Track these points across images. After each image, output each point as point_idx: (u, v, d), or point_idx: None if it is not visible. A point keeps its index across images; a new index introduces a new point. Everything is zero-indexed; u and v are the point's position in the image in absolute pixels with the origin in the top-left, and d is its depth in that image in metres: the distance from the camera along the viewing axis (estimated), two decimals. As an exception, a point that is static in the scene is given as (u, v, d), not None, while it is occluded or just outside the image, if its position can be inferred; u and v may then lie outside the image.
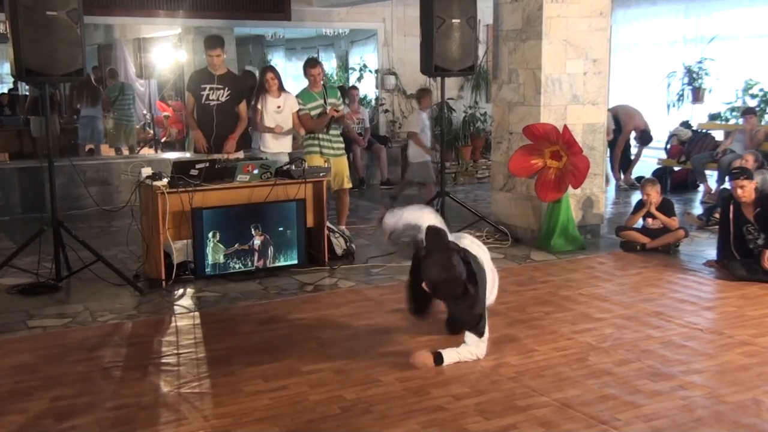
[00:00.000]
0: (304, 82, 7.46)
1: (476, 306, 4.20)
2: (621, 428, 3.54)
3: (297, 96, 7.31)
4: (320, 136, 7.23)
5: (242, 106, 7.12)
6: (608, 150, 10.48)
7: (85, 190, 8.50)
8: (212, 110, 6.97)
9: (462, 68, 7.13)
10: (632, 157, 10.79)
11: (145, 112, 12.99)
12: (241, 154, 7.10)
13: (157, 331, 4.95)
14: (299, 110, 7.26)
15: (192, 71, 8.07)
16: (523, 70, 7.15)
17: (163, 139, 12.52)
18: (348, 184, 7.41)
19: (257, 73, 11.68)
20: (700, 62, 11.13)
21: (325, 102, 7.20)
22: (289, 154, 7.40)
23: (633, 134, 10.61)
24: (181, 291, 5.80)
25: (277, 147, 7.24)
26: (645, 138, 10.53)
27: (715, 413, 3.68)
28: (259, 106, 7.18)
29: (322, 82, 7.34)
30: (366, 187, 10.89)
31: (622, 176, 10.61)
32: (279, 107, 7.20)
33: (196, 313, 5.31)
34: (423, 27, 7.07)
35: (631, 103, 10.74)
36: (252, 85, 8.13)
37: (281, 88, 7.29)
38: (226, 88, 6.99)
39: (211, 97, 6.97)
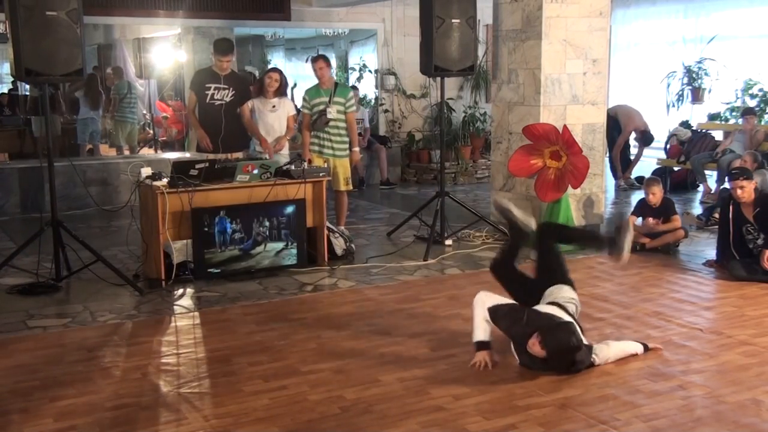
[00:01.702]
0: (304, 82, 7.45)
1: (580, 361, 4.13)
2: (620, 428, 3.54)
3: (306, 92, 7.31)
4: (321, 135, 7.22)
5: (244, 107, 7.13)
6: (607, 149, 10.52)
7: (85, 190, 8.50)
8: (219, 110, 6.97)
9: (461, 68, 7.13)
10: (631, 158, 10.80)
11: (144, 112, 12.99)
12: (241, 154, 7.11)
13: (157, 331, 4.95)
14: (302, 107, 7.27)
15: (195, 71, 8.06)
16: (523, 70, 7.16)
17: (161, 139, 12.53)
18: (345, 187, 7.33)
19: (257, 74, 11.70)
20: (699, 62, 11.14)
21: (329, 101, 7.17)
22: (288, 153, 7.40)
23: (633, 135, 10.61)
24: (180, 291, 5.80)
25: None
26: (646, 139, 10.55)
27: (714, 413, 3.69)
28: (246, 106, 7.16)
29: (334, 80, 7.33)
30: (365, 188, 10.89)
31: (622, 176, 10.62)
32: (274, 107, 7.20)
33: (196, 313, 5.31)
34: (423, 27, 7.07)
35: (630, 103, 10.74)
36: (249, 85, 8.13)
37: (278, 92, 7.29)
38: (231, 89, 7.00)
39: (216, 97, 6.97)
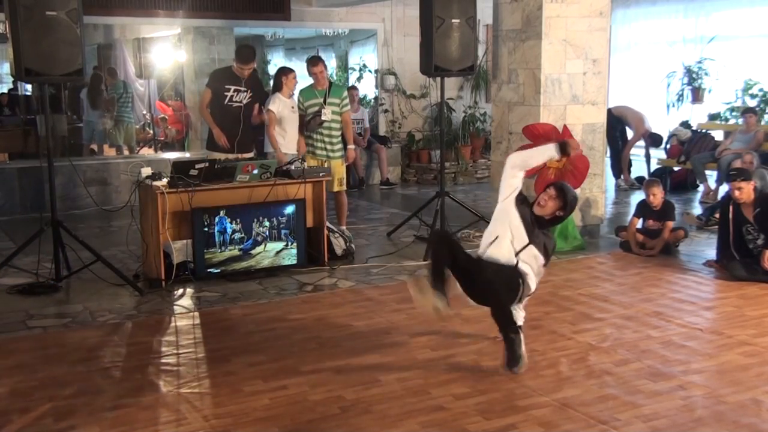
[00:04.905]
0: (304, 82, 7.45)
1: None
2: (621, 428, 3.54)
3: (300, 93, 7.31)
4: (314, 136, 7.20)
5: (255, 106, 7.13)
6: (610, 148, 10.53)
7: (85, 190, 8.51)
8: (238, 113, 6.98)
9: (461, 68, 7.13)
10: (630, 158, 10.82)
11: (144, 112, 13.00)
12: (251, 154, 7.13)
13: (157, 331, 4.95)
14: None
15: (214, 70, 8.02)
16: (523, 70, 7.16)
17: (161, 139, 12.54)
18: (339, 187, 7.28)
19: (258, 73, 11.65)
20: (699, 62, 11.14)
21: (324, 102, 7.17)
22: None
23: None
24: (180, 291, 5.80)
25: (290, 148, 7.24)
26: (656, 140, 10.60)
27: (714, 413, 3.69)
28: (273, 109, 7.13)
29: (328, 81, 7.32)
30: (365, 188, 10.90)
31: (622, 176, 10.63)
32: (293, 107, 7.20)
33: (196, 313, 5.31)
34: (423, 27, 7.07)
35: (632, 104, 10.74)
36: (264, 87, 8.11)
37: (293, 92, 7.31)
38: (249, 91, 7.02)
39: (235, 99, 6.98)
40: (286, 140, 7.18)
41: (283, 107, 7.14)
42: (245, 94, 7.00)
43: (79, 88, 11.44)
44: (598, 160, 7.33)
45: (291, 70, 7.37)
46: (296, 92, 7.47)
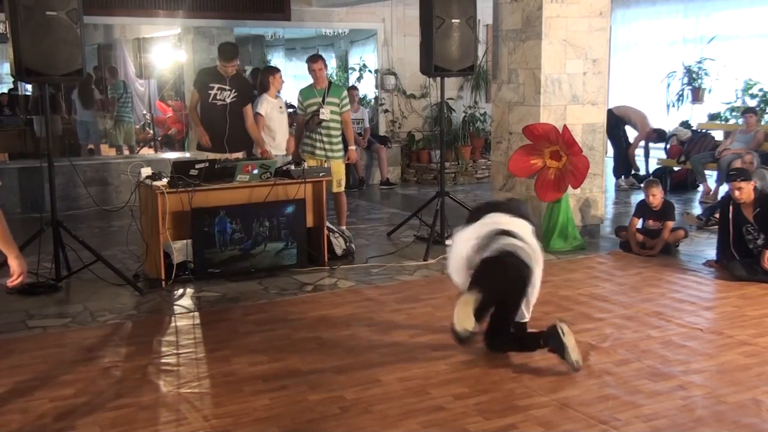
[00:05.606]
0: (304, 82, 7.46)
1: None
2: (621, 428, 3.54)
3: (299, 92, 7.32)
4: (314, 136, 7.20)
5: (248, 109, 7.13)
6: (613, 148, 10.55)
7: (85, 190, 8.51)
8: (223, 111, 6.96)
9: (461, 68, 7.12)
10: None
11: (145, 112, 13.01)
12: (241, 155, 7.11)
13: (157, 331, 4.95)
14: (295, 110, 7.31)
15: (195, 70, 8.05)
16: (523, 70, 7.16)
17: (164, 134, 12.54)
18: (338, 188, 7.27)
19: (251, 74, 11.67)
20: (699, 62, 11.14)
21: (323, 101, 7.16)
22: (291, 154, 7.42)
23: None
24: (180, 291, 5.80)
25: (280, 149, 7.25)
26: (661, 135, 10.67)
27: (714, 413, 3.69)
28: (261, 111, 7.14)
29: (327, 80, 7.32)
30: (365, 188, 10.90)
31: (623, 177, 10.64)
32: (281, 108, 7.21)
33: (196, 313, 5.31)
34: (422, 27, 7.07)
35: (632, 104, 10.75)
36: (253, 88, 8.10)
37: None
38: (234, 90, 7.00)
39: (218, 97, 6.96)
40: (276, 141, 7.20)
41: (271, 108, 7.15)
42: (229, 92, 6.97)
43: (71, 88, 11.44)
44: (598, 160, 7.33)
45: (277, 70, 7.40)
46: (283, 92, 7.50)
